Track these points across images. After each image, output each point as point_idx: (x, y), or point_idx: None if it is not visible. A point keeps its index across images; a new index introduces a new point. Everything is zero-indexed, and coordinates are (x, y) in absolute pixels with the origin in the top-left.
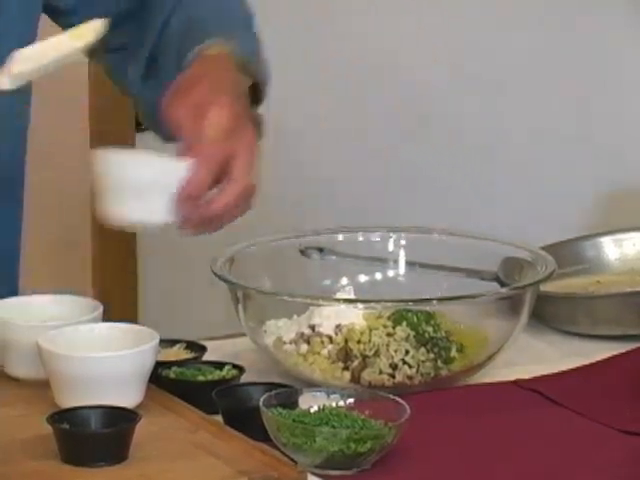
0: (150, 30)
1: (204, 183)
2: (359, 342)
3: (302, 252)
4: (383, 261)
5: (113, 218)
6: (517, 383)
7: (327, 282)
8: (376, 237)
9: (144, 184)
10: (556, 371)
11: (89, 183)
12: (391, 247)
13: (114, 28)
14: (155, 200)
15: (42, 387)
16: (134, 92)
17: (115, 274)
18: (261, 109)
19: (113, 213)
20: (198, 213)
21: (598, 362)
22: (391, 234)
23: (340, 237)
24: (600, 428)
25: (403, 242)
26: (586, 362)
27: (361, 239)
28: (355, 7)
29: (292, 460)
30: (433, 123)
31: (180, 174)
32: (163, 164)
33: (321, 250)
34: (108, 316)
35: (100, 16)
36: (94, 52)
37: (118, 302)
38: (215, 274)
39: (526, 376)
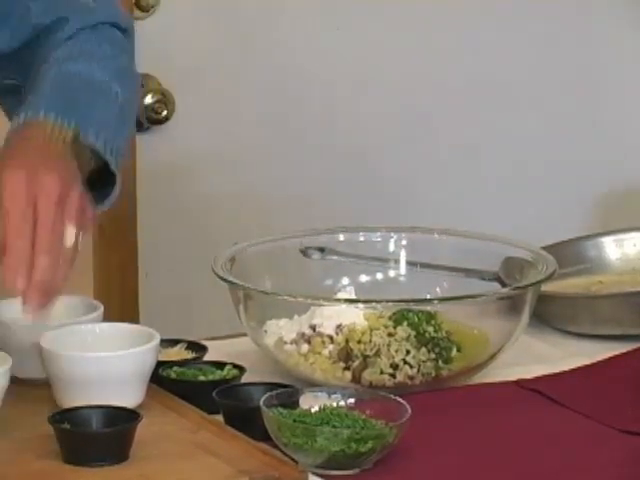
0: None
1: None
2: (360, 342)
3: (303, 252)
4: (384, 261)
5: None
6: (518, 383)
7: (328, 282)
8: (377, 237)
9: None
10: (557, 371)
11: None
12: (392, 247)
13: (6, 70)
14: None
15: (43, 387)
16: None
17: (116, 274)
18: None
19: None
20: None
21: (599, 362)
22: (392, 234)
23: (341, 237)
24: (601, 428)
25: (404, 242)
26: (587, 362)
27: (362, 239)
28: (355, 6)
29: (293, 460)
30: (433, 123)
31: None
32: None
33: (322, 250)
34: (109, 316)
35: None
36: None
37: (119, 302)
38: (216, 274)
39: (527, 376)
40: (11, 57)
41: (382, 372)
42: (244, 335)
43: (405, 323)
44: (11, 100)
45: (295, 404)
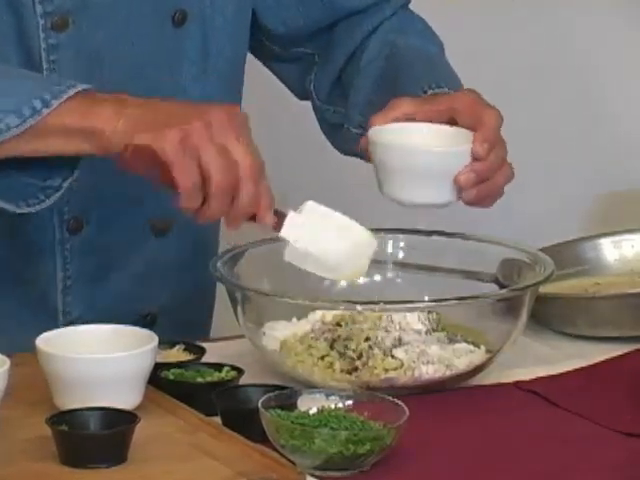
0: (343, 46)
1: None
2: (358, 344)
3: None
4: (382, 263)
5: (399, 200)
6: (516, 385)
7: (326, 283)
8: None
9: (433, 172)
10: (555, 373)
11: None
12: (390, 249)
13: (301, 42)
14: (442, 184)
15: (42, 388)
16: (317, 100)
17: None
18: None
19: (401, 195)
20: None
21: (598, 364)
22: (390, 236)
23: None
24: (600, 430)
25: (402, 244)
26: (586, 364)
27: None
28: None
29: (291, 462)
30: None
31: (461, 161)
32: (444, 152)
33: None
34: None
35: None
36: (270, 65)
37: None
38: (214, 275)
39: (525, 378)
40: (313, 32)
41: (380, 374)
42: (242, 337)
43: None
44: (291, 68)
45: (293, 406)
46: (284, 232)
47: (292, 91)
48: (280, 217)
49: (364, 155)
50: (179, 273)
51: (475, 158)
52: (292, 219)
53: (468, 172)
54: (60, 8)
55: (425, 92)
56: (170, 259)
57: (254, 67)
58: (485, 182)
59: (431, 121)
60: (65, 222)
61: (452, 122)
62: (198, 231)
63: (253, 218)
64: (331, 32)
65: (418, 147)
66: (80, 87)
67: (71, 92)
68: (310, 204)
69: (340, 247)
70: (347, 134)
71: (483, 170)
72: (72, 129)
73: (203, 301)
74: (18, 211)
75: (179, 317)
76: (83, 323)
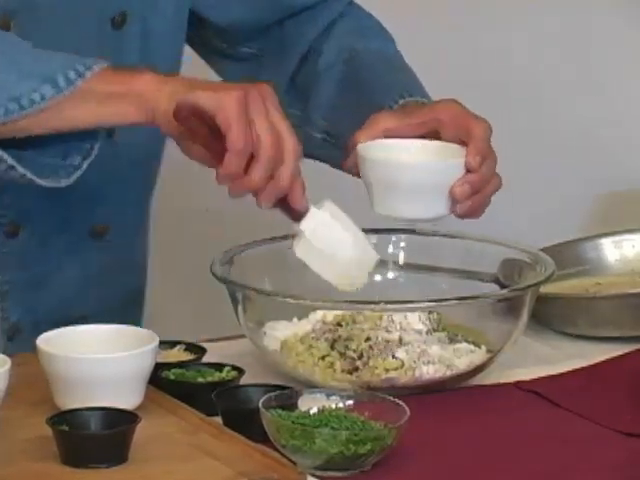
0: (295, 46)
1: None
2: (359, 344)
3: None
4: (383, 263)
5: (395, 216)
6: (517, 385)
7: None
8: (375, 239)
9: (429, 186)
10: (556, 373)
11: None
12: (391, 249)
13: (249, 39)
14: (437, 198)
15: (42, 388)
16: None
17: None
18: None
19: (396, 212)
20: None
21: (598, 364)
22: (391, 236)
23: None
24: (600, 430)
25: (402, 244)
26: (586, 364)
27: None
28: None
29: (292, 461)
30: None
31: (455, 174)
32: (440, 167)
33: None
34: (109, 318)
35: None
36: (214, 62)
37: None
38: (214, 275)
39: (526, 378)
40: (259, 28)
41: (381, 374)
42: (243, 337)
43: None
44: (236, 68)
45: (294, 406)
46: (304, 225)
47: None
48: (301, 212)
49: (327, 161)
50: (113, 276)
51: (468, 170)
52: (313, 214)
53: (463, 184)
54: (1, 9)
55: (397, 102)
56: (105, 263)
57: None
58: (478, 194)
59: (414, 135)
60: (2, 226)
61: (434, 134)
62: (130, 235)
63: (280, 202)
64: (280, 31)
65: (413, 162)
66: (108, 63)
67: (103, 64)
68: (329, 204)
69: (350, 254)
70: (308, 138)
71: (477, 182)
72: (116, 93)
73: (134, 304)
74: (45, 184)
75: (110, 320)
76: (21, 328)
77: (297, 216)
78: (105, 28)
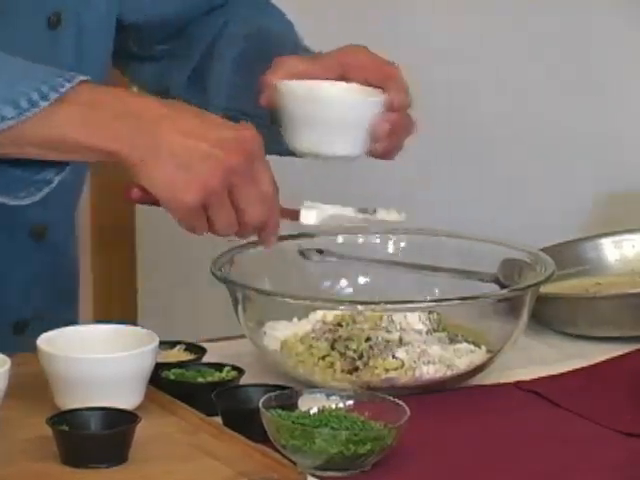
0: (201, 37)
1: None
2: (359, 344)
3: (302, 253)
4: (383, 263)
5: (300, 149)
6: (517, 385)
7: (327, 283)
8: (376, 239)
9: (349, 123)
10: (556, 373)
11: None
12: (391, 249)
13: (168, 37)
14: (350, 135)
15: (42, 388)
16: (178, 95)
17: (115, 275)
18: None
19: (315, 148)
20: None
21: (598, 364)
22: (391, 236)
23: (340, 239)
24: (600, 430)
25: (403, 244)
26: (586, 364)
27: (361, 241)
28: (358, 2)
29: (292, 461)
30: (433, 124)
31: (375, 111)
32: (361, 103)
33: (321, 252)
34: (109, 317)
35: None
36: (125, 65)
37: (118, 303)
38: (214, 275)
39: (526, 378)
40: (173, 25)
41: (381, 374)
42: (243, 337)
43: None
44: (149, 68)
45: (294, 406)
46: (304, 218)
47: (148, 91)
48: (293, 213)
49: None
50: (52, 278)
51: (388, 110)
52: (304, 218)
53: (383, 122)
54: None
55: None
56: (44, 264)
57: None
58: (394, 135)
59: (324, 78)
60: None
61: (343, 79)
62: (66, 235)
63: None
64: (192, 26)
65: (335, 97)
66: (80, 78)
67: (74, 82)
68: (309, 203)
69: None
70: None
71: (397, 121)
72: (87, 147)
73: (71, 305)
74: (10, 203)
75: (49, 321)
76: None
77: (292, 219)
78: (40, 28)
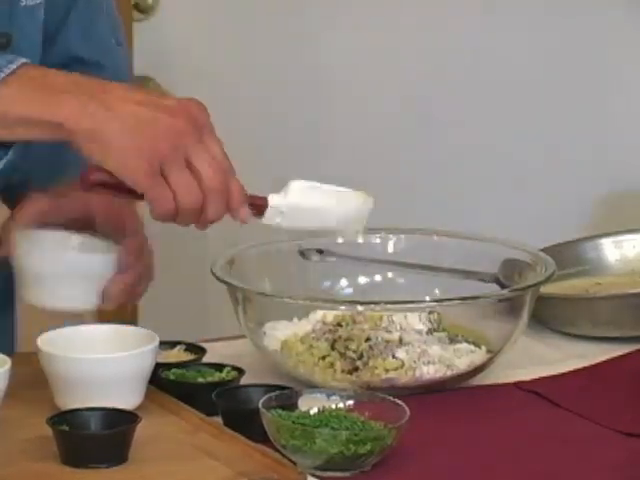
0: None
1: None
2: (359, 344)
3: (302, 254)
4: (383, 263)
5: (30, 301)
6: (517, 385)
7: (327, 284)
8: (376, 239)
9: (79, 277)
10: (556, 373)
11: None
12: (391, 249)
13: None
14: (88, 289)
15: (42, 388)
16: None
17: None
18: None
19: (30, 296)
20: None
21: (598, 364)
22: (391, 236)
23: (340, 239)
24: (600, 430)
25: (403, 244)
26: (586, 364)
27: (361, 241)
28: (355, 2)
29: (292, 462)
30: (433, 124)
31: (107, 269)
32: (95, 260)
33: (321, 252)
34: (108, 318)
35: None
36: None
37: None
38: (215, 275)
39: (526, 378)
40: None
41: (381, 374)
42: (243, 337)
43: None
44: None
45: (294, 406)
46: (266, 219)
47: None
48: (262, 203)
49: None
50: None
51: (121, 268)
52: (272, 200)
53: (116, 284)
54: None
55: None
56: None
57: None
58: (127, 292)
59: (68, 217)
60: None
61: (89, 218)
62: None
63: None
64: None
65: (62, 252)
66: (22, 60)
67: (20, 60)
68: (293, 183)
69: (339, 213)
70: None
71: (130, 279)
72: (33, 119)
73: (11, 308)
74: None
75: None
76: None
77: (257, 213)
78: None
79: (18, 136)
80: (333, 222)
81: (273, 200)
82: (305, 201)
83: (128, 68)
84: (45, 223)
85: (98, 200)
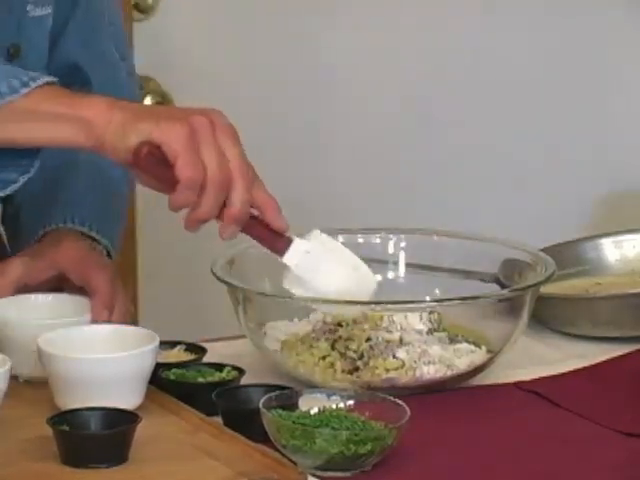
0: None
1: None
2: (359, 344)
3: None
4: (383, 263)
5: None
6: (517, 385)
7: None
8: (376, 239)
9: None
10: (556, 373)
11: None
12: (391, 249)
13: None
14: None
15: (43, 388)
16: None
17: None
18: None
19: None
20: None
21: (598, 364)
22: (391, 236)
23: (340, 239)
24: (600, 430)
25: (403, 244)
26: (586, 364)
27: (361, 241)
28: (355, 2)
29: (292, 462)
30: (433, 124)
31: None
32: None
33: None
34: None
35: None
36: None
37: None
38: (215, 275)
39: (526, 378)
40: None
41: (381, 374)
42: (243, 337)
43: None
44: None
45: (294, 406)
46: (287, 258)
47: None
48: (285, 242)
49: None
50: None
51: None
52: (297, 245)
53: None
54: None
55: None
56: None
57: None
58: None
59: (45, 278)
60: None
61: (63, 277)
62: None
63: (259, 237)
64: None
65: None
66: (51, 79)
67: (47, 79)
68: (317, 233)
69: (342, 285)
70: None
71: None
72: (63, 115)
73: None
74: None
75: None
76: None
77: (280, 249)
78: (0, 58)
79: (43, 136)
80: (336, 288)
81: (297, 242)
82: (323, 254)
83: (134, 88)
84: (20, 289)
85: (66, 257)
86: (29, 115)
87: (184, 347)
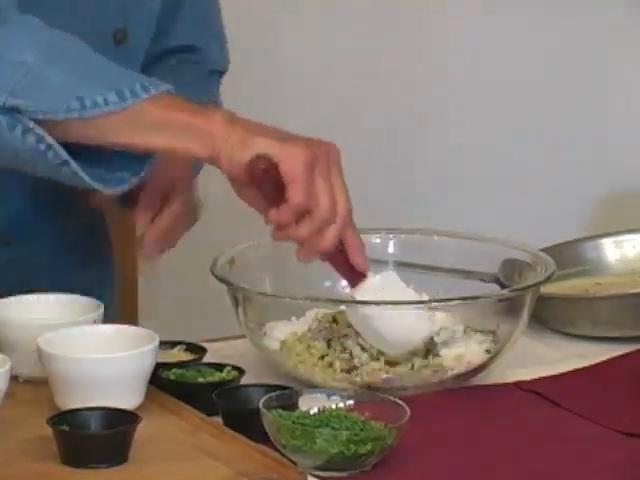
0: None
1: None
2: (359, 344)
3: None
4: (383, 263)
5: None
6: (517, 385)
7: (327, 284)
8: (376, 239)
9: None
10: (556, 373)
11: None
12: (391, 249)
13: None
14: None
15: (43, 388)
16: None
17: (115, 275)
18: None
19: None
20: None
21: (598, 364)
22: (391, 236)
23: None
24: (600, 430)
25: (403, 244)
26: (586, 364)
27: None
28: (355, 6)
29: (292, 462)
30: (433, 124)
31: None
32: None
33: None
34: (108, 317)
35: None
36: None
37: (118, 303)
38: (215, 276)
39: (526, 378)
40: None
41: (381, 374)
42: (243, 337)
43: None
44: None
45: (294, 406)
46: (359, 292)
47: None
48: (359, 276)
49: None
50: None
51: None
52: (370, 281)
53: (152, 230)
54: None
55: None
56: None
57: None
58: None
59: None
60: None
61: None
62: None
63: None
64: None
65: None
66: (169, 86)
67: (169, 86)
68: (388, 274)
69: (401, 329)
70: None
71: (166, 223)
72: (187, 124)
73: None
74: (99, 187)
75: None
76: None
77: (354, 281)
78: (107, 44)
79: (164, 142)
80: (395, 331)
81: (370, 279)
82: (392, 294)
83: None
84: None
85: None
86: (152, 122)
87: (184, 347)
